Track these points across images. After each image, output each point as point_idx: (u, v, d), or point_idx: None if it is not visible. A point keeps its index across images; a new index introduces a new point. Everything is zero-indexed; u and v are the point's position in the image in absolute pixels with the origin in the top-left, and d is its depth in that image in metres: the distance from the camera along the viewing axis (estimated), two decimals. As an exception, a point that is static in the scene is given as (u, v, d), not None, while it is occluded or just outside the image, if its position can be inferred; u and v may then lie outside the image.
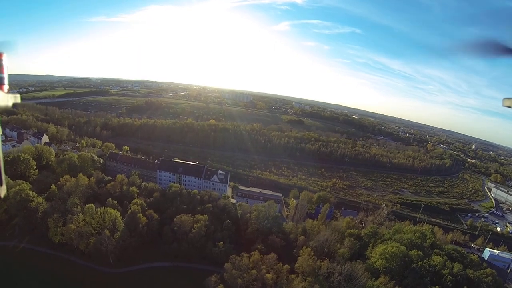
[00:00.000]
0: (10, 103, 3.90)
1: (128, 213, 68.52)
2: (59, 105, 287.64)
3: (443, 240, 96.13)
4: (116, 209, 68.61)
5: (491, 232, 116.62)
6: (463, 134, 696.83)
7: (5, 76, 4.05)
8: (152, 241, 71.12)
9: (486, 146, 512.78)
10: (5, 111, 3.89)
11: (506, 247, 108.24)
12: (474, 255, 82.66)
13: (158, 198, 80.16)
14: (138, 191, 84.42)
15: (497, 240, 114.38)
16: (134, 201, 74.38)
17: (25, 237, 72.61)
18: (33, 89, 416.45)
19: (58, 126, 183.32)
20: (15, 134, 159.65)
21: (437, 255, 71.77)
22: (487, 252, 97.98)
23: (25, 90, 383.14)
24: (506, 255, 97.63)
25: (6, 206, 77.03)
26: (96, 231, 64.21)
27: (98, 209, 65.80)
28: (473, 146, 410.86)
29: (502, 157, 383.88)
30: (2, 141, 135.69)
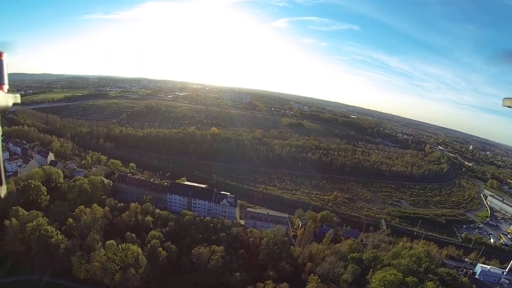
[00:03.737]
0: (10, 103, 3.91)
1: (148, 247, 72.97)
2: (59, 110, 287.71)
3: (438, 257, 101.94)
4: (136, 244, 72.74)
5: (483, 247, 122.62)
6: (461, 132, 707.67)
7: (5, 76, 4.06)
8: (171, 271, 75.53)
9: (483, 145, 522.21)
10: (6, 111, 3.92)
11: (497, 260, 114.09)
12: (464, 277, 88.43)
13: (173, 227, 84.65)
14: (152, 220, 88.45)
15: (490, 253, 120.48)
16: (152, 233, 78.62)
17: (47, 271, 76.23)
18: (31, 91, 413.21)
19: (62, 139, 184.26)
20: (19, 149, 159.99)
21: (431, 280, 77.59)
22: (479, 268, 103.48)
23: (23, 92, 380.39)
24: (497, 270, 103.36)
25: (22, 236, 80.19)
26: (119, 266, 68.36)
27: (120, 245, 69.79)
28: (471, 147, 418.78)
29: (499, 157, 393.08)
30: (8, 159, 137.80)
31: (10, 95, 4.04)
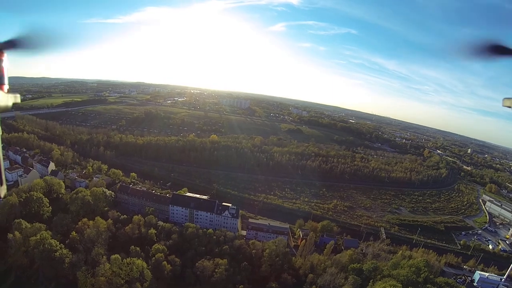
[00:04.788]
0: (10, 103, 3.89)
1: (153, 261, 73.86)
2: (58, 116, 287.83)
3: (437, 265, 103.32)
4: (140, 257, 73.62)
5: (482, 254, 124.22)
6: (459, 135, 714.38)
7: (5, 76, 4.00)
8: (176, 284, 76.35)
9: (481, 147, 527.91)
10: (6, 111, 3.82)
11: (496, 267, 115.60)
12: (462, 286, 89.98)
13: (177, 240, 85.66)
14: (156, 232, 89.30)
15: (489, 259, 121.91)
16: (156, 246, 79.59)
17: (51, 283, 76.91)
18: (30, 96, 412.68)
19: (62, 147, 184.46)
20: (19, 158, 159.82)
21: (429, 291, 79.08)
22: (477, 275, 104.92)
23: (22, 97, 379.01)
24: (495, 277, 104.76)
25: (25, 249, 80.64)
26: (124, 280, 69.13)
27: (125, 260, 70.63)
28: (469, 150, 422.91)
29: (497, 159, 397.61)
30: (8, 169, 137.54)
31: (10, 95, 4.15)
